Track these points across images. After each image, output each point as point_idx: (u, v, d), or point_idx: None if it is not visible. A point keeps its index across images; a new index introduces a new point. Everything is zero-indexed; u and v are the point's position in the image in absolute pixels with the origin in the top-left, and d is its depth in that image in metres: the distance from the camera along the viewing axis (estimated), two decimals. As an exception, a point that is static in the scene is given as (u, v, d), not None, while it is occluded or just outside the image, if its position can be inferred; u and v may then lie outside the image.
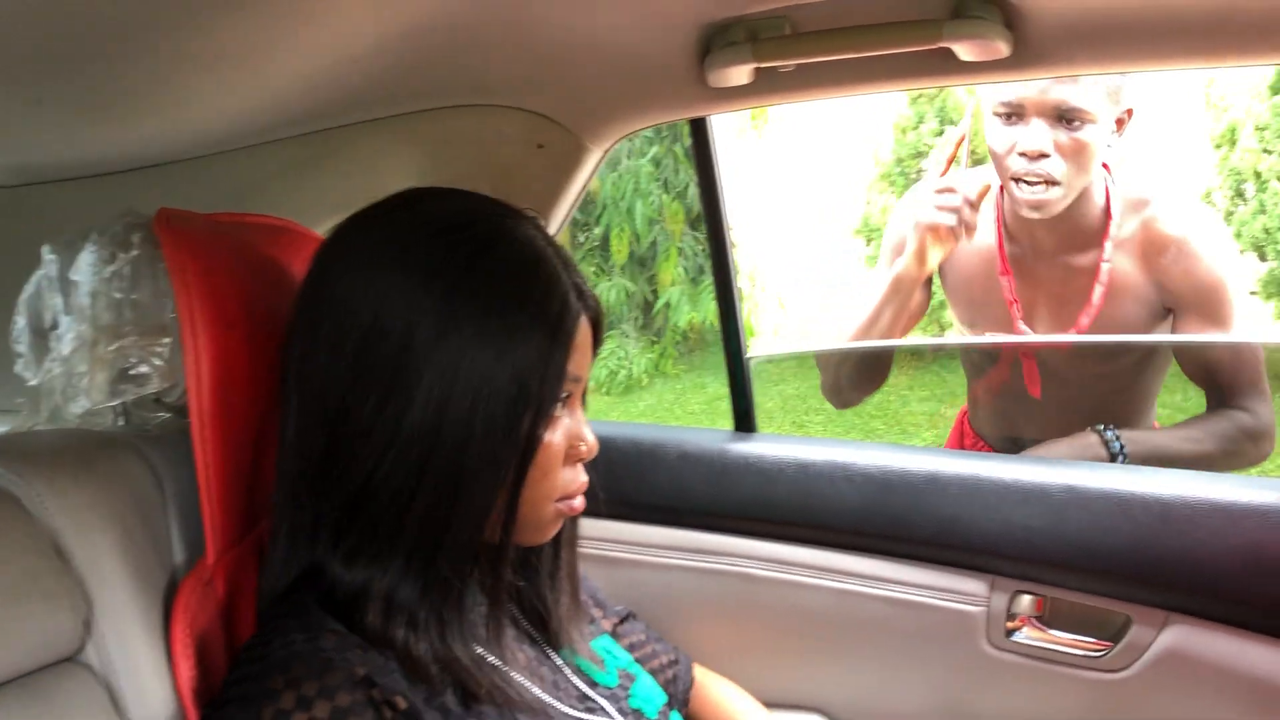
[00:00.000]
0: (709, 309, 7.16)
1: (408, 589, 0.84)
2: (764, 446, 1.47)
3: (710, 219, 1.42)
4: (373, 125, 1.29)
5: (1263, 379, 1.67)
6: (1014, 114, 1.57)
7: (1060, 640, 1.34)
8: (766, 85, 1.15)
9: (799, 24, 1.06)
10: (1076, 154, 1.56)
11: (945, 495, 1.36)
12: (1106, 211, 1.69)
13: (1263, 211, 7.39)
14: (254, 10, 0.96)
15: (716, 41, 1.10)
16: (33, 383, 0.92)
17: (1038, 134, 1.55)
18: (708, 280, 7.30)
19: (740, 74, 1.11)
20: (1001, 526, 1.34)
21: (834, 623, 1.41)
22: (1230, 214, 7.79)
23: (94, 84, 1.10)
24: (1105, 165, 1.67)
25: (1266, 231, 7.29)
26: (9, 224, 1.37)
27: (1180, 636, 1.28)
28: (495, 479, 0.84)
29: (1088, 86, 1.53)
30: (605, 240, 7.44)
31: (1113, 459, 1.58)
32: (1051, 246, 1.70)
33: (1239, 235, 7.65)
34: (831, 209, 9.97)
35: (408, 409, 0.81)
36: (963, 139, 1.69)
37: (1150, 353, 1.74)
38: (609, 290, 7.35)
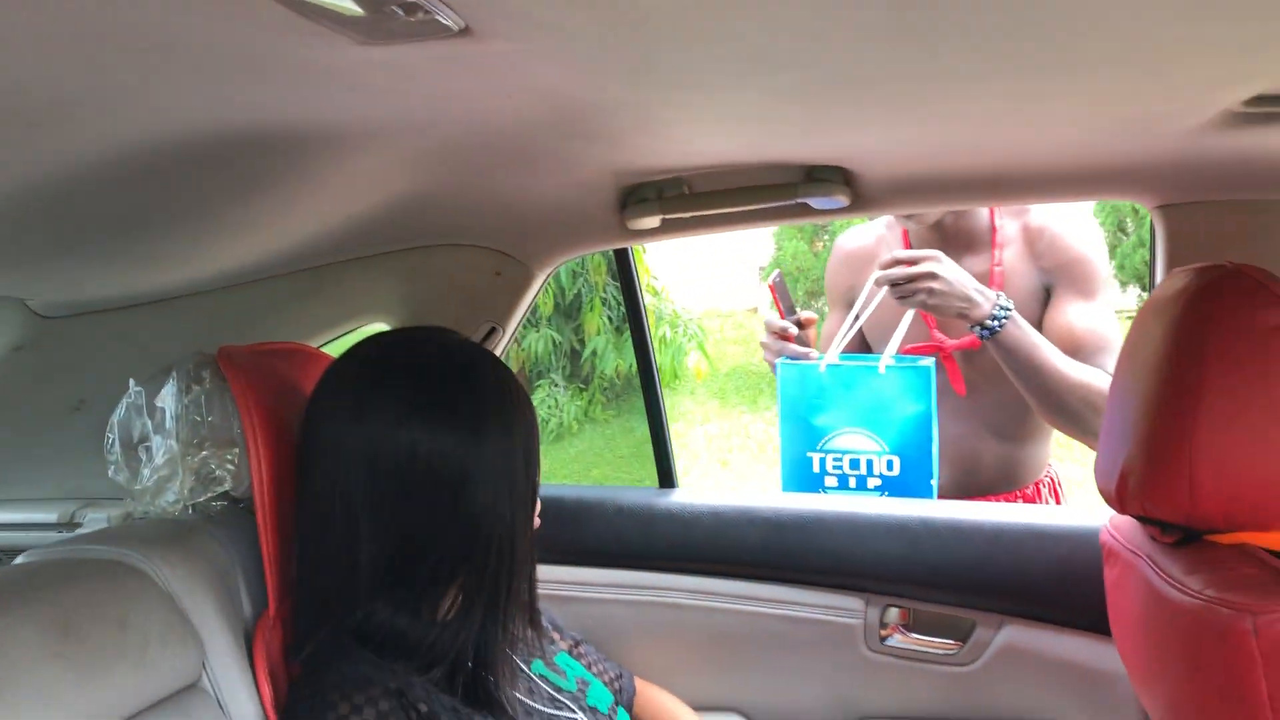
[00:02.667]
0: (634, 356, 7.34)
1: (466, 626, 1.13)
2: (684, 498, 1.75)
3: (633, 319, 1.73)
4: (361, 261, 1.57)
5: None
6: None
7: (922, 642, 1.63)
8: (670, 227, 1.48)
9: (694, 185, 1.39)
10: None
11: (829, 531, 1.65)
12: (991, 221, 1.91)
13: (1143, 244, 7.90)
14: (279, 185, 1.25)
15: (631, 198, 1.42)
16: (136, 488, 1.21)
17: None
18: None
19: (651, 221, 1.43)
20: (873, 554, 1.63)
21: (744, 639, 1.68)
22: (1114, 248, 8.31)
23: (146, 242, 1.38)
24: None
25: (1145, 263, 7.83)
26: (60, 348, 1.64)
27: (1013, 635, 1.58)
28: (528, 540, 1.16)
29: None
30: (531, 294, 7.57)
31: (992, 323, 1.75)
32: (952, 256, 1.84)
33: (1122, 267, 8.17)
34: (746, 254, 10.31)
35: (471, 504, 1.10)
36: (773, 288, 1.91)
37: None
38: (537, 341, 7.52)
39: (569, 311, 7.73)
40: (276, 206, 1.34)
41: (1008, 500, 2.01)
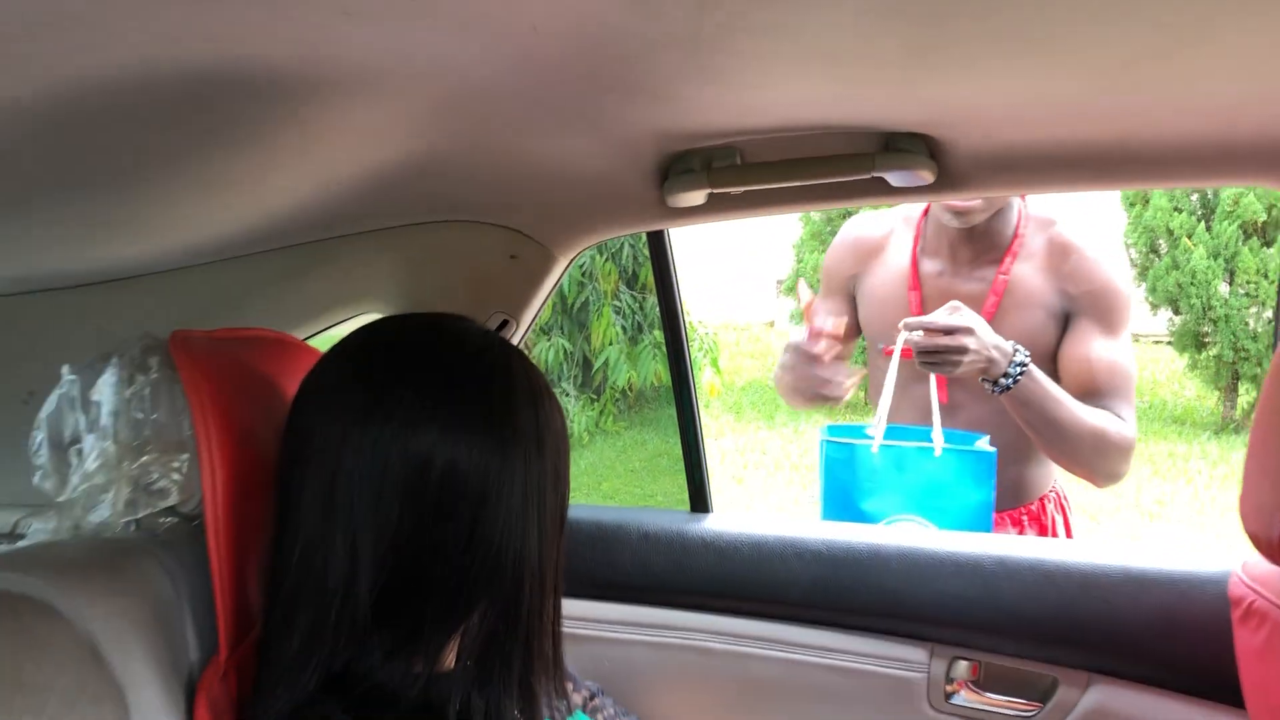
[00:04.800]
0: (648, 369, 7.21)
1: (476, 680, 0.93)
2: (720, 525, 1.55)
3: (668, 319, 1.52)
4: (356, 238, 1.36)
5: (1133, 395, 1.78)
6: None
7: (995, 702, 1.43)
8: (718, 205, 1.26)
9: (749, 154, 1.17)
10: None
11: (887, 569, 1.45)
12: (1016, 230, 1.82)
13: (1175, 267, 7.69)
14: (257, 141, 1.05)
15: (675, 168, 1.20)
16: (61, 499, 0.99)
17: None
18: (646, 340, 7.34)
19: (695, 197, 1.22)
20: (938, 597, 1.43)
21: (785, 691, 1.48)
22: (1145, 269, 8.09)
23: (108, 207, 1.17)
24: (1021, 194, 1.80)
25: (1179, 285, 7.61)
26: (7, 330, 1.43)
27: (1102, 696, 1.38)
28: (557, 573, 0.97)
29: None
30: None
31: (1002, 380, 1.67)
32: (968, 259, 1.83)
33: (1154, 290, 7.95)
34: (764, 267, 10.17)
35: (493, 528, 0.90)
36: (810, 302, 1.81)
37: (1052, 365, 1.82)
38: (547, 350, 7.38)
39: (580, 319, 7.56)
40: (254, 168, 1.13)
41: (1013, 518, 1.93)
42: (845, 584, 1.47)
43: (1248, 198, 7.19)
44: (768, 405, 8.62)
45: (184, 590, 0.98)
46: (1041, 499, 1.96)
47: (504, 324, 1.45)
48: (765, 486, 6.97)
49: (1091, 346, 1.77)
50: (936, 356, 1.65)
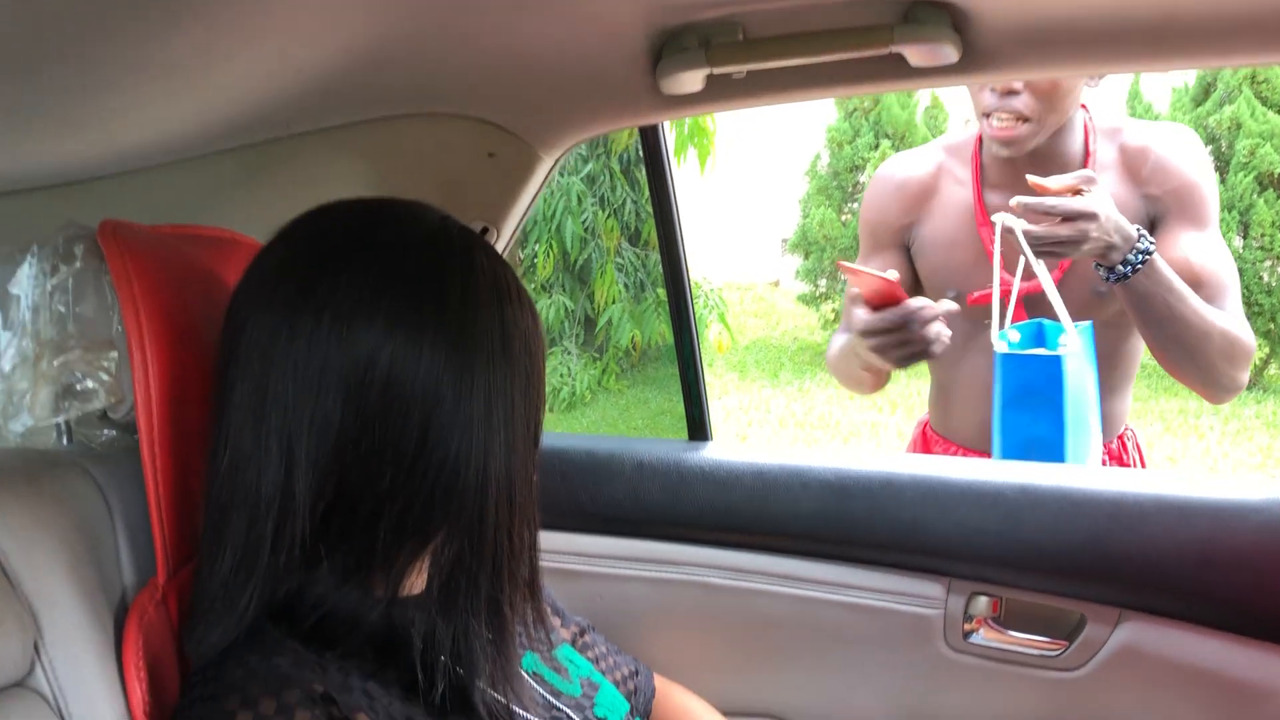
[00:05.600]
0: (652, 327, 7.10)
1: (440, 607, 0.83)
2: (720, 454, 1.45)
3: (663, 225, 1.40)
4: (318, 136, 1.24)
5: (1239, 293, 1.63)
6: None
7: (1017, 640, 1.34)
8: (719, 91, 1.14)
9: (751, 30, 1.05)
10: (1050, 92, 1.54)
11: (901, 499, 1.36)
12: (1086, 148, 1.67)
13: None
14: (205, 20, 0.93)
15: (669, 48, 1.08)
16: (-29, 401, 0.89)
17: None
18: (650, 298, 7.25)
19: (693, 80, 1.10)
20: (957, 529, 1.33)
21: (793, 629, 1.40)
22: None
23: (34, 93, 1.06)
24: (1084, 105, 1.66)
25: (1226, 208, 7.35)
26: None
27: (1134, 633, 1.29)
28: (530, 494, 0.88)
29: None
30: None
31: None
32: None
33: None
34: (769, 224, 10.05)
35: (449, 440, 0.80)
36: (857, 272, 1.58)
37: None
38: (549, 307, 7.28)
39: (581, 276, 7.44)
40: (202, 53, 1.01)
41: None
42: (857, 515, 1.37)
43: (1265, 149, 7.01)
44: (771, 364, 8.53)
45: (118, 508, 0.88)
46: (1120, 436, 1.82)
47: (484, 231, 1.33)
48: (770, 444, 6.89)
49: (1185, 245, 1.61)
50: (1054, 246, 1.48)
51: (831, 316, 8.59)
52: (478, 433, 0.81)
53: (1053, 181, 1.47)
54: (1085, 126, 1.68)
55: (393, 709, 0.80)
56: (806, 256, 8.44)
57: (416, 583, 0.87)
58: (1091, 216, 1.44)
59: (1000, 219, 1.49)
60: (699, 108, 1.21)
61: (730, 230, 9.97)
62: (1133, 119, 1.71)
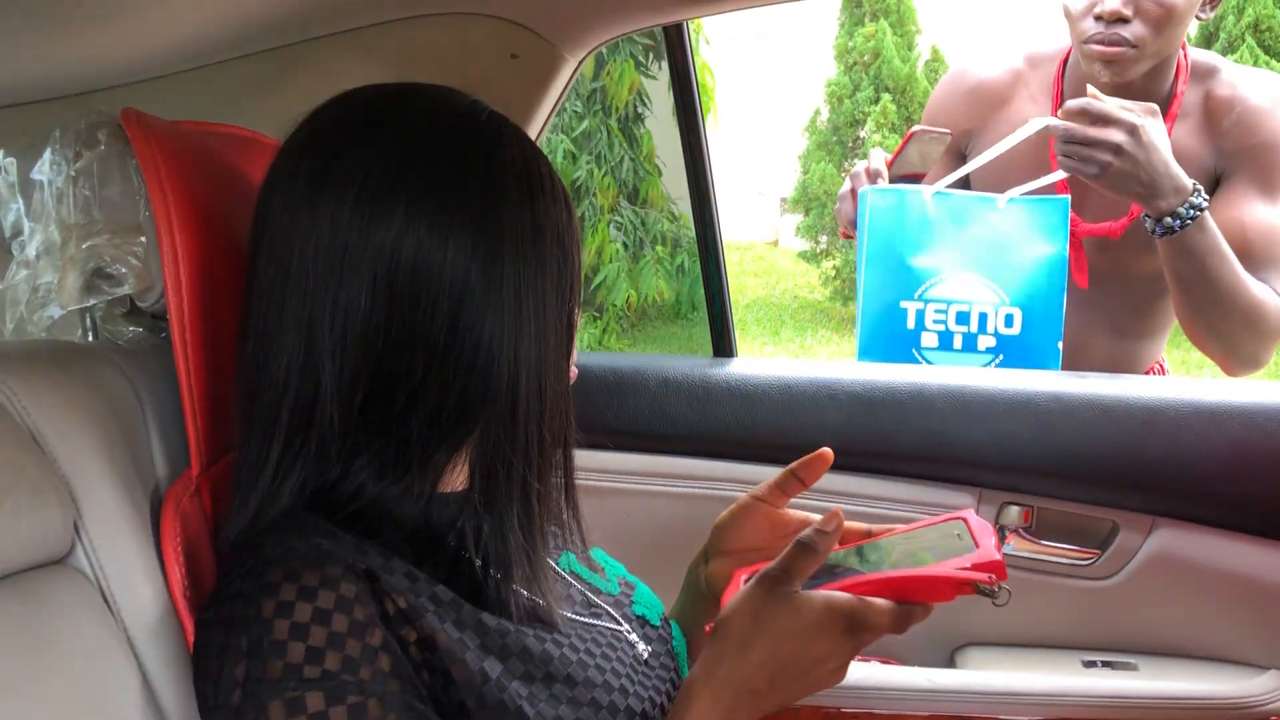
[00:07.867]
0: (650, 286, 7.05)
1: (480, 503, 0.81)
2: (746, 369, 1.43)
3: (687, 133, 1.38)
4: (337, 39, 1.21)
5: None
6: None
7: (1049, 550, 1.33)
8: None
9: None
10: (1161, 19, 1.46)
11: (931, 410, 1.34)
12: (1175, 87, 1.58)
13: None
14: None
15: (698, -63, 1.06)
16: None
17: None
18: (648, 256, 7.19)
19: (722, -30, 1.07)
20: (988, 438, 1.32)
21: None
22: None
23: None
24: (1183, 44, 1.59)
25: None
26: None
27: (1167, 540, 1.28)
28: (564, 389, 0.85)
29: None
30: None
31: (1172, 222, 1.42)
32: None
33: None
34: (768, 183, 10.00)
35: (479, 330, 0.78)
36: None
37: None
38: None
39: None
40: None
41: None
42: (884, 427, 1.35)
43: None
44: (772, 322, 8.50)
45: (149, 400, 0.86)
46: (1148, 371, 1.76)
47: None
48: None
49: (1247, 211, 1.52)
50: (1081, 149, 1.38)
51: (832, 274, 8.55)
52: (508, 323, 0.79)
53: (1113, 102, 1.39)
54: (1178, 64, 1.59)
55: (436, 590, 0.79)
56: (807, 213, 8.39)
57: (457, 480, 0.85)
58: (1129, 128, 1.37)
59: (1036, 123, 1.43)
60: (725, 5, 1.18)
61: (728, 189, 9.92)
62: (1233, 63, 1.63)
